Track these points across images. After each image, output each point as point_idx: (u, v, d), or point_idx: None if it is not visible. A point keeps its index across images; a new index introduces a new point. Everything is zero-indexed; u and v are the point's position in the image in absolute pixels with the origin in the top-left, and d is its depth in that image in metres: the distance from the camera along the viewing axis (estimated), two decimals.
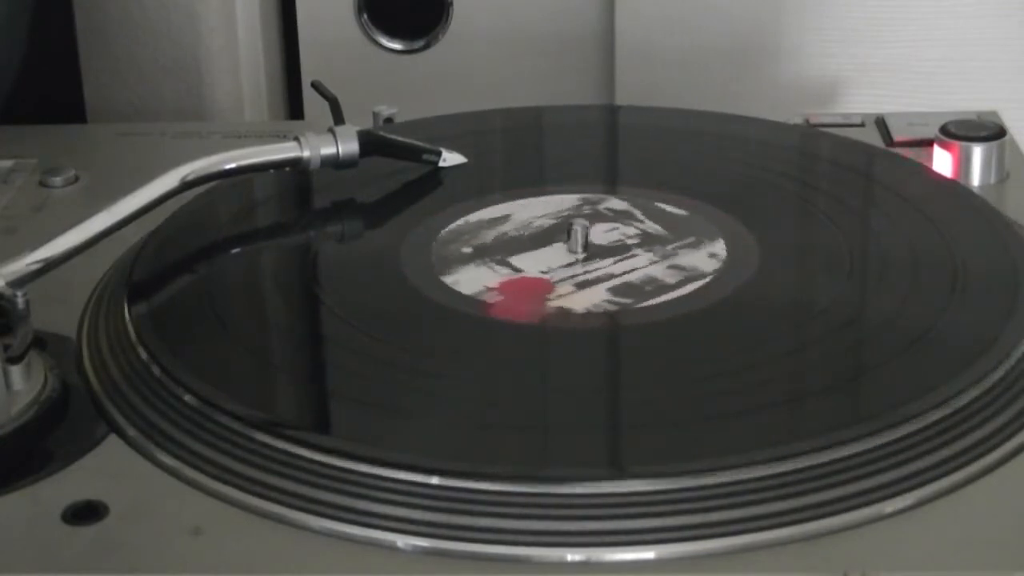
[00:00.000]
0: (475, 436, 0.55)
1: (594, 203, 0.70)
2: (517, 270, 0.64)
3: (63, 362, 0.60)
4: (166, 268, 0.65)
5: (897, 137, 0.78)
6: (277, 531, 0.52)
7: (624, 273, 0.64)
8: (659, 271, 0.64)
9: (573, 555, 0.50)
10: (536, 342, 0.61)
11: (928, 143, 0.75)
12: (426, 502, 0.51)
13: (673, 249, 0.66)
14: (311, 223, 0.71)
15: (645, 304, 0.62)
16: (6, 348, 0.56)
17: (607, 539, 0.50)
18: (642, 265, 0.65)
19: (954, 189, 0.71)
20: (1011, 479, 0.53)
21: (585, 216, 0.68)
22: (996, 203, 0.69)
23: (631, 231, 0.68)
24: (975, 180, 0.73)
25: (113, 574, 0.50)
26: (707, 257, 0.65)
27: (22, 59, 0.82)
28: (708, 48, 0.95)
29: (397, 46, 0.98)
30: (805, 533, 0.51)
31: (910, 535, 0.51)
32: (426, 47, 0.98)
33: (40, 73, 0.86)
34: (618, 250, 0.66)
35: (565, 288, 0.63)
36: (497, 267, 0.65)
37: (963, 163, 0.74)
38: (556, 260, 0.65)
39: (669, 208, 0.69)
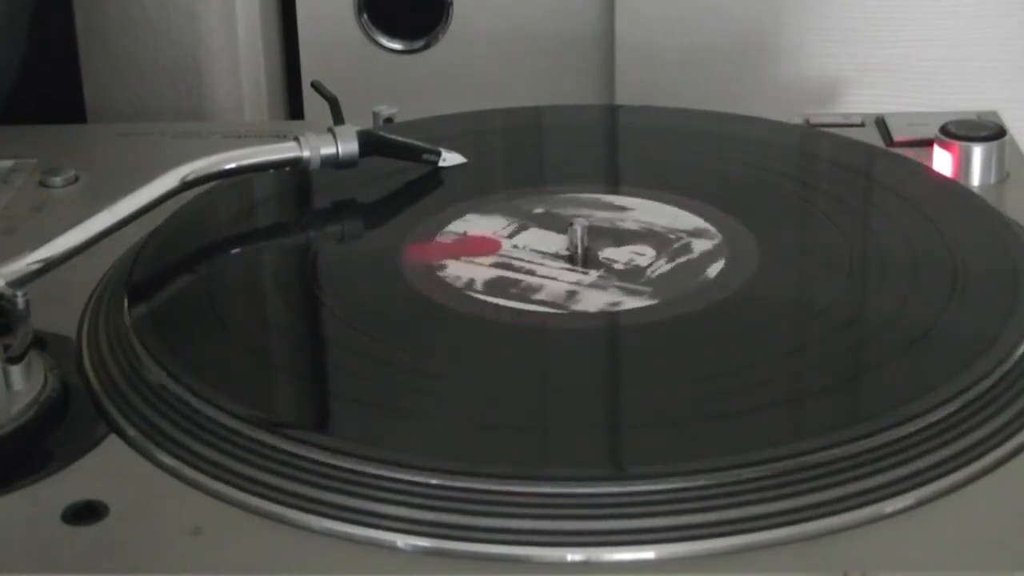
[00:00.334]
0: (475, 436, 0.55)
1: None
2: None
3: (63, 362, 0.60)
4: (166, 268, 0.65)
5: (897, 137, 0.78)
6: (277, 531, 0.52)
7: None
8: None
9: (573, 555, 0.50)
10: (536, 342, 0.61)
11: (928, 143, 0.75)
12: (426, 502, 0.51)
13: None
14: (311, 223, 0.71)
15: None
16: (6, 348, 0.56)
17: (607, 539, 0.50)
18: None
19: (954, 189, 0.71)
20: (1011, 479, 0.53)
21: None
22: (996, 203, 0.69)
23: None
24: (975, 180, 0.73)
25: (113, 574, 0.50)
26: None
27: (22, 59, 0.82)
28: (708, 48, 0.95)
29: (397, 46, 0.98)
30: (805, 533, 0.51)
31: (910, 535, 0.51)
32: (426, 47, 0.98)
33: (40, 73, 0.86)
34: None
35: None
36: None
37: (963, 163, 0.74)
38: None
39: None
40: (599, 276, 0.64)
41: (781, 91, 0.95)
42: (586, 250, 0.65)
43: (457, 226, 0.68)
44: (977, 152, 0.74)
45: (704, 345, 0.60)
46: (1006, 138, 0.74)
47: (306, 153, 0.70)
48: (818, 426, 0.54)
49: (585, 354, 0.60)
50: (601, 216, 0.69)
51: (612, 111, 0.87)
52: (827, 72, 0.95)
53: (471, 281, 0.63)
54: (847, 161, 0.74)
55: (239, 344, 0.60)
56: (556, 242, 0.67)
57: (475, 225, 0.68)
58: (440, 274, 0.64)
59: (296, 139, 0.70)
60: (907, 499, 0.52)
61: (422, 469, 0.52)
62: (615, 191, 0.72)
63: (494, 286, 0.63)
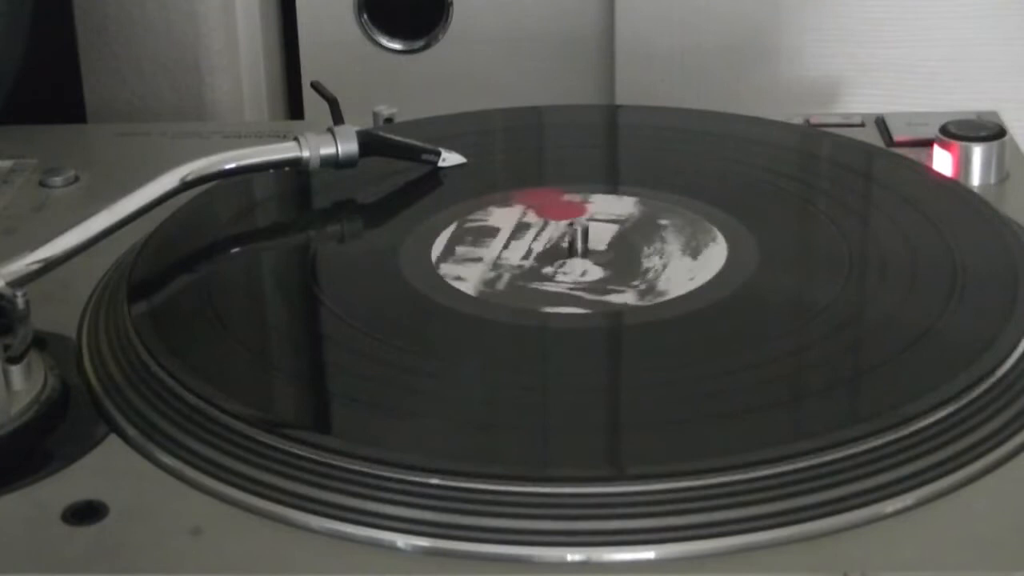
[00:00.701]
0: (475, 436, 0.55)
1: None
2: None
3: (63, 362, 0.60)
4: (166, 268, 0.65)
5: (897, 137, 0.78)
6: (277, 531, 0.52)
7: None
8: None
9: (573, 555, 0.50)
10: (536, 342, 0.61)
11: (928, 143, 0.75)
12: (426, 502, 0.51)
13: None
14: (311, 223, 0.71)
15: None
16: (6, 348, 0.56)
17: (607, 539, 0.50)
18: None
19: (954, 189, 0.71)
20: (1011, 479, 0.53)
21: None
22: (996, 203, 0.69)
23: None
24: (975, 180, 0.73)
25: (113, 574, 0.50)
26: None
27: (22, 59, 0.82)
28: (708, 48, 0.95)
29: (397, 46, 0.98)
30: (805, 533, 0.51)
31: (910, 535, 0.51)
32: (426, 47, 0.98)
33: (40, 73, 0.86)
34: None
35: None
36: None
37: (963, 163, 0.74)
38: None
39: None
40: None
41: (781, 91, 0.95)
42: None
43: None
44: (977, 152, 0.74)
45: (704, 345, 0.60)
46: (1006, 138, 0.74)
47: (306, 153, 0.70)
48: (818, 426, 0.54)
49: (585, 354, 0.60)
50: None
51: (612, 111, 0.87)
52: (827, 72, 0.95)
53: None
54: (847, 161, 0.74)
55: (239, 344, 0.60)
56: (555, 242, 0.67)
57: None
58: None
59: (296, 139, 0.70)
60: (907, 499, 0.52)
61: (422, 469, 0.52)
62: (615, 191, 0.72)
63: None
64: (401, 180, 0.73)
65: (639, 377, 0.59)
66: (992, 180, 0.74)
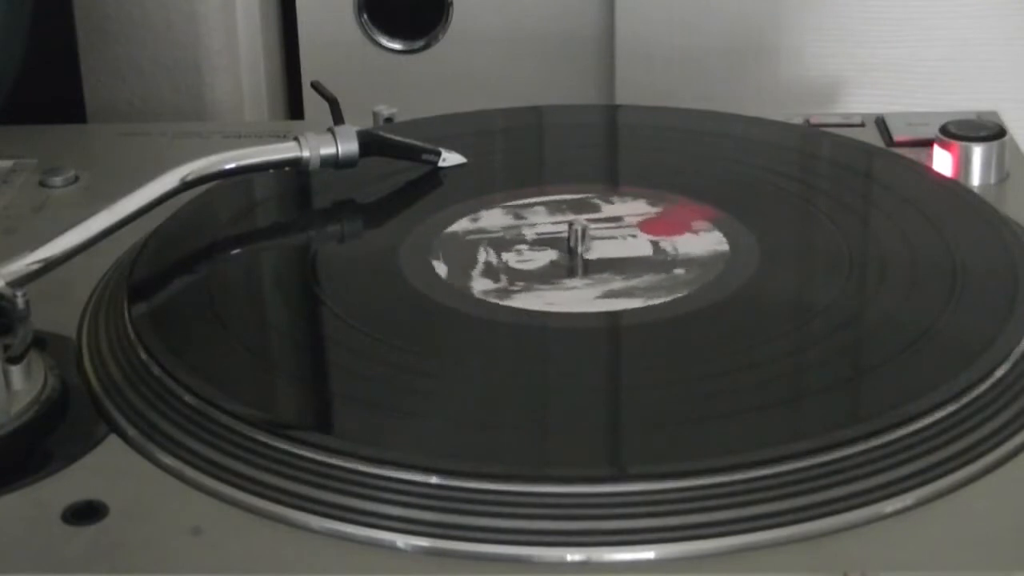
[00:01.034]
0: (475, 436, 0.55)
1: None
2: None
3: (63, 362, 0.60)
4: (166, 268, 0.65)
5: (897, 137, 0.78)
6: (277, 531, 0.52)
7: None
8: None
9: (573, 555, 0.50)
10: (536, 342, 0.61)
11: (928, 143, 0.75)
12: (426, 502, 0.51)
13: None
14: (311, 223, 0.71)
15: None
16: (6, 348, 0.56)
17: (607, 539, 0.50)
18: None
19: (954, 189, 0.71)
20: (1011, 479, 0.53)
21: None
22: (996, 203, 0.69)
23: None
24: (975, 180, 0.73)
25: (113, 574, 0.50)
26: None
27: (22, 59, 0.82)
28: (708, 48, 0.95)
29: (397, 46, 0.98)
30: (805, 533, 0.51)
31: (910, 535, 0.51)
32: (426, 47, 0.98)
33: (40, 73, 0.86)
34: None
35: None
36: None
37: (963, 163, 0.74)
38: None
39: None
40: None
41: (781, 91, 0.95)
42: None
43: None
44: (977, 152, 0.74)
45: (704, 345, 0.60)
46: (1006, 138, 0.74)
47: (306, 153, 0.70)
48: (818, 426, 0.54)
49: (585, 354, 0.60)
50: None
51: (612, 111, 0.87)
52: (827, 72, 0.95)
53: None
54: (847, 161, 0.74)
55: (239, 344, 0.60)
56: (555, 243, 0.67)
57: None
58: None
59: (296, 139, 0.70)
60: (907, 499, 0.52)
61: (422, 469, 0.52)
62: (615, 191, 0.72)
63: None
64: (401, 180, 0.73)
65: (639, 377, 0.59)
66: (992, 180, 0.74)
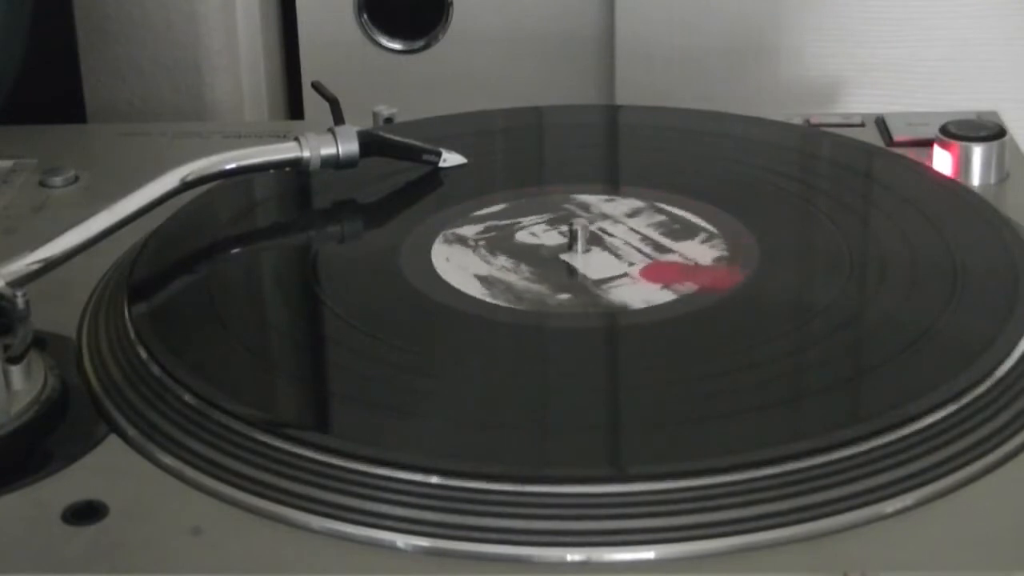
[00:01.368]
0: (475, 436, 0.55)
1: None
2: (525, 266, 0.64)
3: (63, 362, 0.60)
4: (166, 268, 0.65)
5: (897, 137, 0.78)
6: (277, 531, 0.52)
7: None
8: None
9: (573, 555, 0.50)
10: (536, 342, 0.61)
11: (928, 143, 0.75)
12: (426, 502, 0.51)
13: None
14: (311, 223, 0.71)
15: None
16: (6, 348, 0.56)
17: (607, 539, 0.50)
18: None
19: (954, 189, 0.71)
20: (1011, 479, 0.53)
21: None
22: (996, 203, 0.69)
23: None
24: (975, 180, 0.73)
25: (113, 574, 0.50)
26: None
27: (22, 59, 0.82)
28: (708, 48, 0.95)
29: (397, 46, 0.98)
30: (805, 533, 0.51)
31: (910, 535, 0.51)
32: (426, 47, 0.98)
33: (40, 73, 0.86)
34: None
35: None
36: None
37: (963, 163, 0.74)
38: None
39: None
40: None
41: (781, 91, 0.95)
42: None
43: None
44: (977, 152, 0.74)
45: (704, 345, 0.60)
46: (1006, 138, 0.74)
47: (306, 153, 0.70)
48: (818, 426, 0.54)
49: (585, 354, 0.60)
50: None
51: (612, 111, 0.87)
52: (827, 72, 0.95)
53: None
54: (847, 161, 0.74)
55: (239, 344, 0.60)
56: (555, 243, 0.67)
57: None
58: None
59: (296, 139, 0.70)
60: (907, 499, 0.52)
61: (422, 469, 0.52)
62: (615, 191, 0.72)
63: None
64: (401, 180, 0.73)
65: (639, 377, 0.59)
66: (992, 180, 0.74)
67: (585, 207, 0.70)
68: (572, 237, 0.66)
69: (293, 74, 1.00)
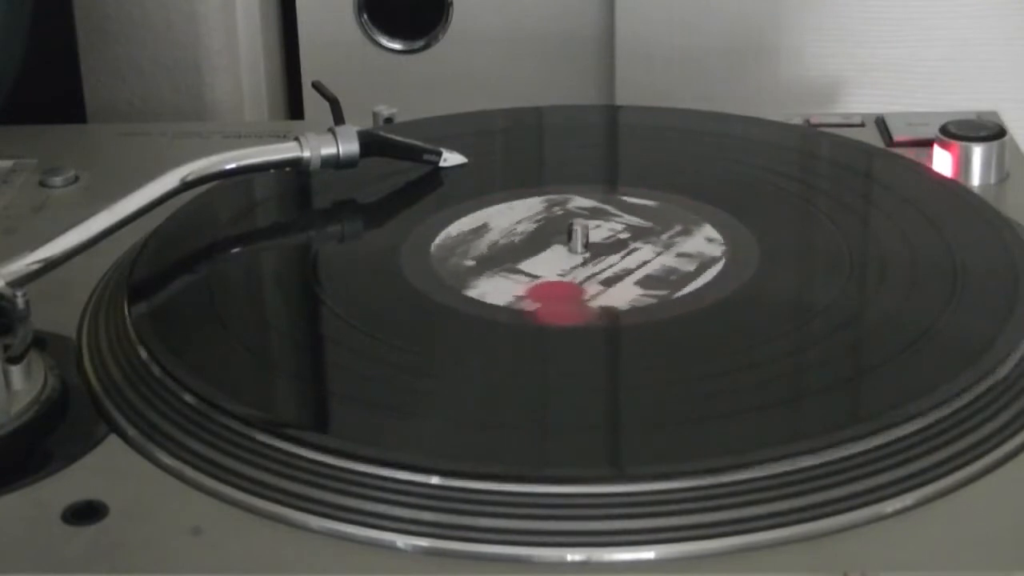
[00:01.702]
0: (475, 436, 0.55)
1: (590, 204, 0.70)
2: (531, 275, 0.64)
3: (63, 362, 0.60)
4: (166, 268, 0.65)
5: (897, 137, 0.78)
6: (277, 531, 0.52)
7: (637, 268, 0.64)
8: (658, 271, 0.64)
9: (573, 555, 0.50)
10: (536, 342, 0.61)
11: (928, 143, 0.75)
12: (426, 502, 0.51)
13: (672, 249, 0.66)
14: (311, 223, 0.71)
15: (649, 304, 0.62)
16: (6, 348, 0.56)
17: (607, 539, 0.50)
18: (647, 261, 0.65)
19: (954, 189, 0.71)
20: (1011, 479, 0.53)
21: (582, 216, 0.68)
22: (996, 203, 0.69)
23: (630, 231, 0.68)
24: (975, 180, 0.73)
25: (113, 574, 0.50)
26: (707, 257, 0.65)
27: (22, 59, 0.82)
28: (708, 48, 0.95)
29: (397, 46, 0.98)
30: (805, 533, 0.51)
31: (910, 535, 0.51)
32: (426, 47, 0.98)
33: (40, 73, 0.86)
34: (619, 248, 0.66)
35: (593, 287, 0.63)
36: (510, 275, 0.64)
37: (963, 163, 0.74)
38: (564, 263, 0.65)
39: (669, 208, 0.69)
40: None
41: (781, 91, 0.95)
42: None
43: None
44: (977, 152, 0.74)
45: (704, 345, 0.60)
46: (1006, 138, 0.74)
47: (306, 153, 0.70)
48: (818, 426, 0.54)
49: (585, 354, 0.60)
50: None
51: (612, 111, 0.87)
52: (827, 72, 0.95)
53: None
54: (847, 161, 0.74)
55: (239, 344, 0.60)
56: (555, 243, 0.67)
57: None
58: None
59: (296, 139, 0.70)
60: (907, 499, 0.52)
61: (422, 469, 0.52)
62: (615, 191, 0.72)
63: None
64: (401, 180, 0.73)
65: (639, 377, 0.59)
66: (992, 180, 0.74)
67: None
68: (572, 238, 0.66)
69: (293, 74, 1.00)
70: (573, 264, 0.65)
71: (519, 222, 0.68)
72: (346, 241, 0.69)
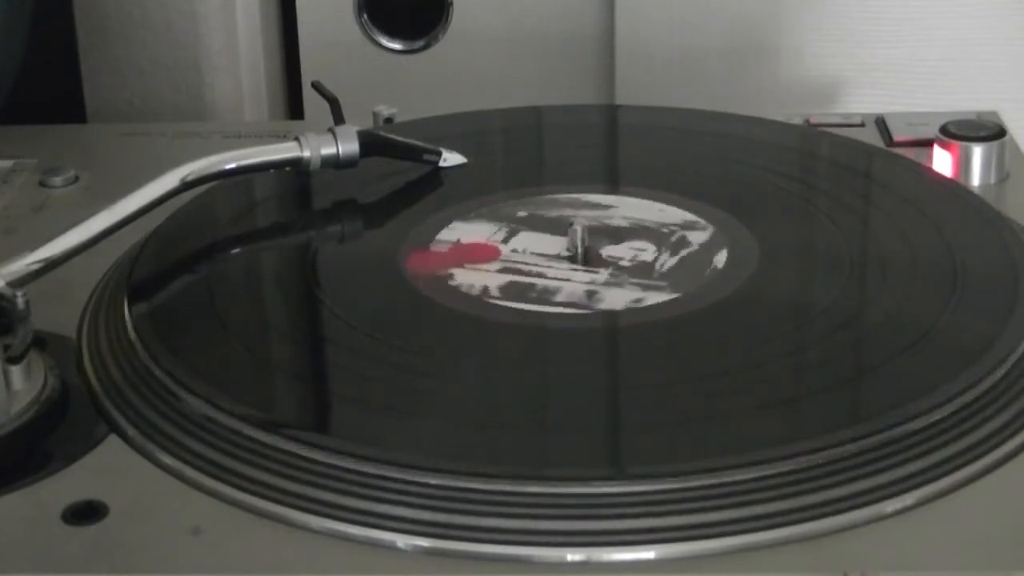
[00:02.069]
0: (475, 436, 0.55)
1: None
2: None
3: (63, 362, 0.60)
4: (166, 268, 0.65)
5: (897, 137, 0.78)
6: (277, 531, 0.52)
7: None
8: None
9: (573, 555, 0.50)
10: (536, 342, 0.61)
11: (928, 143, 0.75)
12: (426, 502, 0.51)
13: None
14: (311, 223, 0.71)
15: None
16: (6, 348, 0.56)
17: (607, 539, 0.50)
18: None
19: (954, 189, 0.71)
20: (1011, 479, 0.53)
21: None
22: (996, 203, 0.69)
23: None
24: (975, 180, 0.73)
25: (113, 574, 0.50)
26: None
27: (22, 59, 0.82)
28: (708, 48, 0.95)
29: (397, 46, 0.98)
30: (805, 533, 0.51)
31: (910, 535, 0.51)
32: (426, 47, 0.98)
33: (40, 73, 0.86)
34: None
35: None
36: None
37: (963, 163, 0.74)
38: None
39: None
40: (608, 276, 0.64)
41: (781, 91, 0.95)
42: (586, 250, 0.65)
43: (445, 234, 0.68)
44: (977, 152, 0.74)
45: (704, 345, 0.60)
46: (1006, 138, 0.74)
47: (306, 153, 0.70)
48: (818, 426, 0.54)
49: (585, 354, 0.60)
50: (599, 216, 0.69)
51: (612, 111, 0.87)
52: (827, 72, 0.95)
53: (485, 288, 0.63)
54: (847, 161, 0.74)
55: (239, 344, 0.60)
56: (555, 243, 0.67)
57: (463, 232, 0.68)
58: (451, 283, 0.64)
59: (296, 139, 0.70)
60: (907, 499, 0.52)
61: (422, 469, 0.52)
62: (615, 191, 0.72)
63: (509, 291, 0.63)
64: (401, 180, 0.73)
65: (639, 377, 0.59)
66: (992, 180, 0.74)
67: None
68: (572, 238, 0.66)
69: (293, 74, 1.00)
70: (573, 264, 0.65)
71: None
72: (346, 241, 0.69)
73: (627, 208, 0.69)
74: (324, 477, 0.52)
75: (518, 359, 0.60)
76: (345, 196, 0.71)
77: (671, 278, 0.64)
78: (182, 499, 0.53)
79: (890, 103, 0.94)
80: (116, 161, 0.79)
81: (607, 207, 0.70)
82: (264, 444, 0.54)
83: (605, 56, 0.97)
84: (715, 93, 0.94)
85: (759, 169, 0.73)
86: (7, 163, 0.78)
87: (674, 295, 0.62)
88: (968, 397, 0.55)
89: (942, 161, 0.74)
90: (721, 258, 0.65)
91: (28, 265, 0.61)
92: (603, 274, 0.64)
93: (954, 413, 0.55)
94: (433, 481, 0.52)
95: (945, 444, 0.54)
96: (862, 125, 0.80)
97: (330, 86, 0.73)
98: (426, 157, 0.73)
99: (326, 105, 0.72)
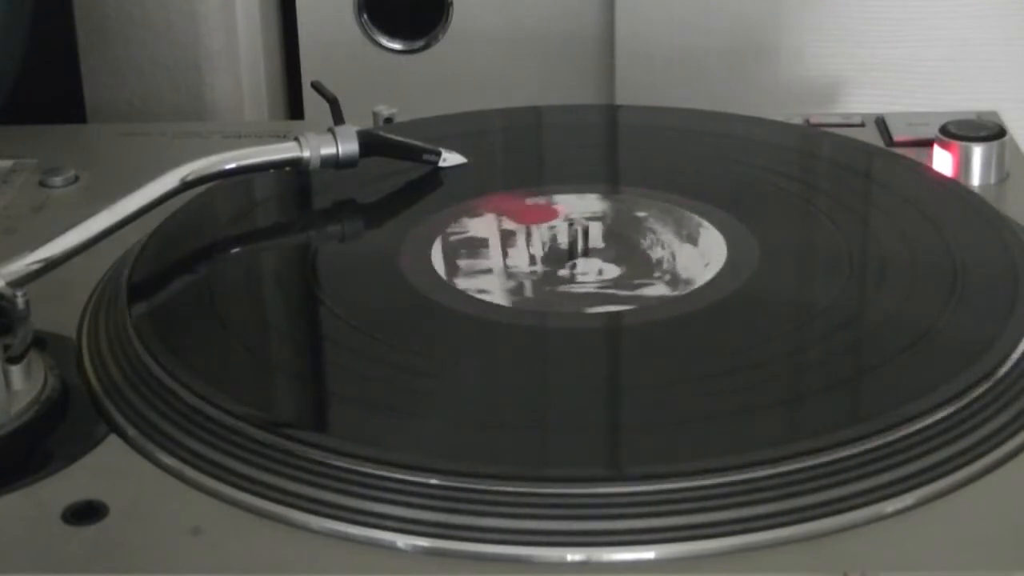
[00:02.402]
0: (475, 436, 0.55)
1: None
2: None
3: (63, 362, 0.60)
4: (166, 268, 0.65)
5: (897, 137, 0.78)
6: (277, 531, 0.52)
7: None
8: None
9: (573, 555, 0.50)
10: (536, 342, 0.61)
11: (928, 143, 0.75)
12: (426, 502, 0.51)
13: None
14: (311, 223, 0.71)
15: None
16: (6, 348, 0.56)
17: (607, 539, 0.50)
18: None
19: (954, 189, 0.71)
20: (1011, 479, 0.53)
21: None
22: (996, 203, 0.69)
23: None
24: (975, 180, 0.73)
25: (113, 574, 0.50)
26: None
27: (22, 59, 0.82)
28: (708, 48, 0.95)
29: (397, 46, 0.98)
30: (805, 533, 0.51)
31: (910, 535, 0.51)
32: (426, 47, 0.98)
33: (40, 73, 0.86)
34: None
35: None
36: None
37: (963, 163, 0.74)
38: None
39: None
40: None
41: (781, 91, 0.95)
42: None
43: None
44: (977, 152, 0.74)
45: (704, 345, 0.60)
46: (1006, 138, 0.74)
47: (306, 153, 0.70)
48: (818, 426, 0.54)
49: (584, 354, 0.60)
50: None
51: (612, 111, 0.87)
52: (827, 72, 0.95)
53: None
54: (847, 161, 0.74)
55: (239, 344, 0.60)
56: (555, 244, 0.67)
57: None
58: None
59: (296, 139, 0.70)
60: (907, 499, 0.52)
61: (422, 469, 0.52)
62: (615, 191, 0.72)
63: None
64: (401, 180, 0.73)
65: (638, 377, 0.59)
66: (992, 180, 0.74)
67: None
68: (573, 237, 0.66)
69: (293, 74, 1.00)
70: (572, 263, 0.65)
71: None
72: (346, 241, 0.69)
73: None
74: (324, 477, 0.52)
75: (518, 359, 0.60)
76: (345, 196, 0.71)
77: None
78: (182, 499, 0.53)
79: (890, 103, 0.93)
80: (116, 161, 0.79)
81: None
82: (264, 444, 0.54)
83: (605, 56, 0.97)
84: (715, 93, 0.94)
85: (759, 169, 0.73)
86: (7, 163, 0.78)
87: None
88: (968, 397, 0.55)
89: (942, 161, 0.74)
90: (721, 258, 0.65)
91: (28, 265, 0.61)
92: (602, 274, 0.64)
93: (954, 413, 0.55)
94: (433, 481, 0.52)
95: (945, 444, 0.54)
96: (862, 125, 0.80)
97: (330, 86, 0.73)
98: (426, 157, 0.73)
99: (326, 105, 0.72)
